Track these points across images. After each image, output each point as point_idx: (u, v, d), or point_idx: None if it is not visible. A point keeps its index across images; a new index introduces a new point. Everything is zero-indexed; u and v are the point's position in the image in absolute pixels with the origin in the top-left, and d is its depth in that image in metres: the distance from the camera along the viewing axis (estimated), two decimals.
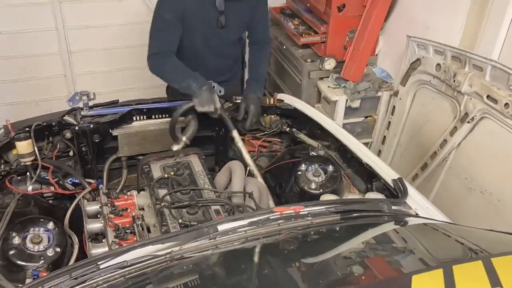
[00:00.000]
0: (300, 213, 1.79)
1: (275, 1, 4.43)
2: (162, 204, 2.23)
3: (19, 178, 2.41)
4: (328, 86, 3.82)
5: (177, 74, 2.67)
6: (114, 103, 2.72)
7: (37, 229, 1.99)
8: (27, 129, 2.42)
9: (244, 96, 2.81)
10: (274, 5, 4.39)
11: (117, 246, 1.97)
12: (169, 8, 2.66)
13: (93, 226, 2.17)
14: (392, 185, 2.19)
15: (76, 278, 1.51)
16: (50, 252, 1.93)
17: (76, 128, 2.54)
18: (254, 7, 2.83)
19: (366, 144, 3.11)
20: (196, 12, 2.69)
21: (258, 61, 3.02)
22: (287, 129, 2.94)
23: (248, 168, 2.86)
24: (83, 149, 2.61)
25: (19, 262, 1.88)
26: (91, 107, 2.65)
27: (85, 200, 2.33)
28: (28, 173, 2.40)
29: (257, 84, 2.91)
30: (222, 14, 2.71)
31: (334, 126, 2.71)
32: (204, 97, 2.53)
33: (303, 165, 2.46)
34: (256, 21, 2.88)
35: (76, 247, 2.04)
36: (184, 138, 2.54)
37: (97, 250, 2.02)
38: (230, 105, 2.88)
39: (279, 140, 3.03)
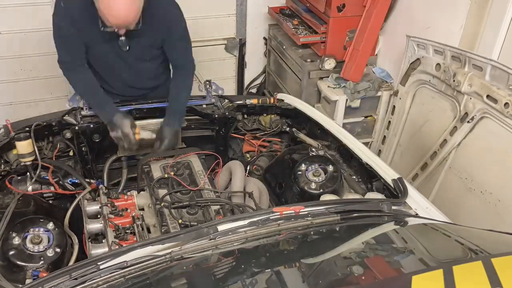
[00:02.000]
0: (300, 213, 1.79)
1: (275, 1, 4.43)
2: (162, 204, 2.23)
3: (19, 178, 2.41)
4: (328, 86, 3.82)
5: (86, 96, 2.64)
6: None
7: (37, 229, 1.99)
8: (27, 129, 2.42)
9: (161, 127, 2.67)
10: (274, 5, 4.39)
11: (117, 247, 1.97)
12: (62, 19, 2.43)
13: (93, 226, 2.17)
14: (392, 185, 2.19)
15: (76, 279, 1.51)
16: (50, 253, 1.93)
17: (76, 128, 2.54)
18: (165, 32, 2.58)
19: (366, 144, 3.11)
20: (92, 32, 2.44)
21: (177, 89, 2.75)
22: (287, 129, 2.94)
23: (248, 168, 2.87)
24: (83, 149, 2.61)
25: (19, 262, 1.88)
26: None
27: (85, 201, 2.33)
28: (28, 173, 2.41)
29: (174, 117, 2.70)
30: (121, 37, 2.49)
31: (334, 126, 2.71)
32: (112, 123, 2.51)
33: (303, 165, 2.46)
34: (171, 47, 2.65)
35: (76, 247, 2.04)
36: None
37: (97, 250, 2.02)
38: (230, 104, 2.89)
39: (279, 140, 3.04)
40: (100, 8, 2.24)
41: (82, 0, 2.35)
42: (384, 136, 3.63)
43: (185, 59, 2.76)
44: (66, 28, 2.43)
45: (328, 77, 3.88)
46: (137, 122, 2.68)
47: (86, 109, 2.64)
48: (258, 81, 4.91)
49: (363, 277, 1.43)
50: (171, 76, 2.84)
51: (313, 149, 2.62)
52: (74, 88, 2.66)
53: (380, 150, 3.68)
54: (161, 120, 2.71)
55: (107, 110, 2.55)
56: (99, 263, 1.55)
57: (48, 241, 1.97)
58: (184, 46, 2.72)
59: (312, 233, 1.77)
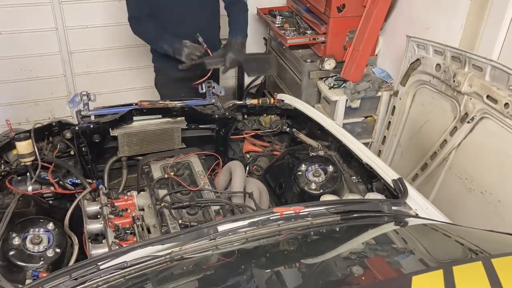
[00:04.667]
0: (300, 213, 1.79)
1: (275, 1, 4.43)
2: (162, 204, 2.23)
3: (19, 178, 2.41)
4: (328, 86, 3.82)
5: (156, 39, 3.13)
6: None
7: (37, 229, 1.98)
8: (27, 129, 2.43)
9: (225, 44, 3.04)
10: (275, 5, 4.39)
11: (117, 247, 1.97)
12: None
13: (93, 226, 2.17)
14: (392, 185, 2.19)
15: (76, 279, 1.51)
16: (50, 253, 1.93)
17: (76, 128, 2.54)
18: None
19: (366, 144, 3.11)
20: None
21: (236, 16, 3.19)
22: (287, 129, 2.94)
23: (247, 168, 2.87)
24: (83, 149, 2.61)
25: (19, 262, 1.88)
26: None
27: (85, 201, 2.33)
28: (28, 173, 2.41)
29: (236, 31, 3.09)
30: None
31: (334, 126, 2.71)
32: (175, 48, 2.97)
33: (303, 165, 2.46)
34: None
35: (76, 247, 2.04)
36: None
37: (97, 250, 2.02)
38: (230, 105, 2.89)
39: (279, 140, 3.04)
40: None
41: None
42: (384, 137, 3.63)
43: None
44: None
45: (328, 77, 3.88)
46: (137, 123, 2.69)
47: (86, 109, 2.64)
48: (258, 81, 4.91)
49: (363, 278, 1.43)
50: (228, 14, 3.25)
51: (313, 150, 2.62)
52: (144, 38, 3.25)
53: (380, 150, 3.68)
54: (160, 120, 2.71)
55: (173, 42, 3.01)
56: (99, 264, 1.55)
57: (48, 242, 1.97)
58: None
59: (312, 233, 1.77)
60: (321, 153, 2.60)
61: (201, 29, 3.06)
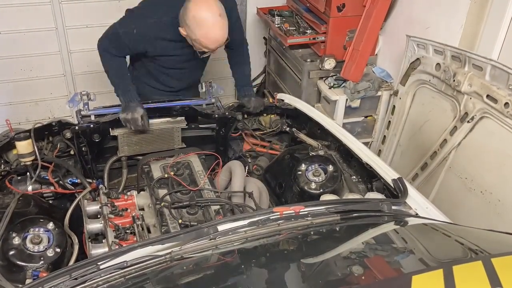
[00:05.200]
0: (300, 213, 1.79)
1: (275, 1, 4.43)
2: (162, 204, 2.23)
3: (19, 178, 2.41)
4: (328, 86, 3.82)
5: (116, 77, 2.76)
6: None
7: (37, 229, 1.99)
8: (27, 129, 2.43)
9: (242, 100, 2.91)
10: (275, 5, 4.39)
11: (117, 247, 1.98)
12: (131, 36, 2.64)
13: (93, 226, 2.17)
14: (392, 185, 2.19)
15: (76, 279, 1.51)
16: (50, 253, 1.93)
17: (76, 127, 2.54)
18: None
19: (366, 144, 3.11)
20: (168, 47, 2.71)
21: (241, 65, 3.06)
22: (287, 129, 2.94)
23: (247, 168, 2.87)
24: (83, 149, 2.61)
25: (19, 262, 1.88)
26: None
27: (85, 200, 2.33)
28: (28, 173, 2.41)
29: (247, 88, 3.02)
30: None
31: (334, 125, 2.71)
32: (129, 106, 2.59)
33: (303, 165, 2.46)
34: (230, 29, 2.60)
35: (76, 247, 2.04)
36: None
37: (97, 250, 2.02)
38: (230, 105, 2.89)
39: (279, 140, 3.04)
40: (200, 41, 2.49)
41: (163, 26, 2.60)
42: (384, 136, 3.63)
43: (242, 38, 3.01)
44: (132, 42, 2.65)
45: (328, 76, 3.88)
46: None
47: (86, 108, 2.64)
48: (258, 81, 4.91)
49: (363, 277, 1.43)
50: (229, 56, 3.06)
51: (313, 149, 2.62)
52: (105, 67, 2.77)
53: (380, 150, 3.68)
54: (160, 120, 2.71)
55: (130, 94, 2.65)
56: (99, 263, 1.55)
57: (48, 241, 1.97)
58: (240, 25, 2.96)
59: (312, 233, 1.77)
60: (321, 152, 2.60)
61: (190, 81, 3.05)
